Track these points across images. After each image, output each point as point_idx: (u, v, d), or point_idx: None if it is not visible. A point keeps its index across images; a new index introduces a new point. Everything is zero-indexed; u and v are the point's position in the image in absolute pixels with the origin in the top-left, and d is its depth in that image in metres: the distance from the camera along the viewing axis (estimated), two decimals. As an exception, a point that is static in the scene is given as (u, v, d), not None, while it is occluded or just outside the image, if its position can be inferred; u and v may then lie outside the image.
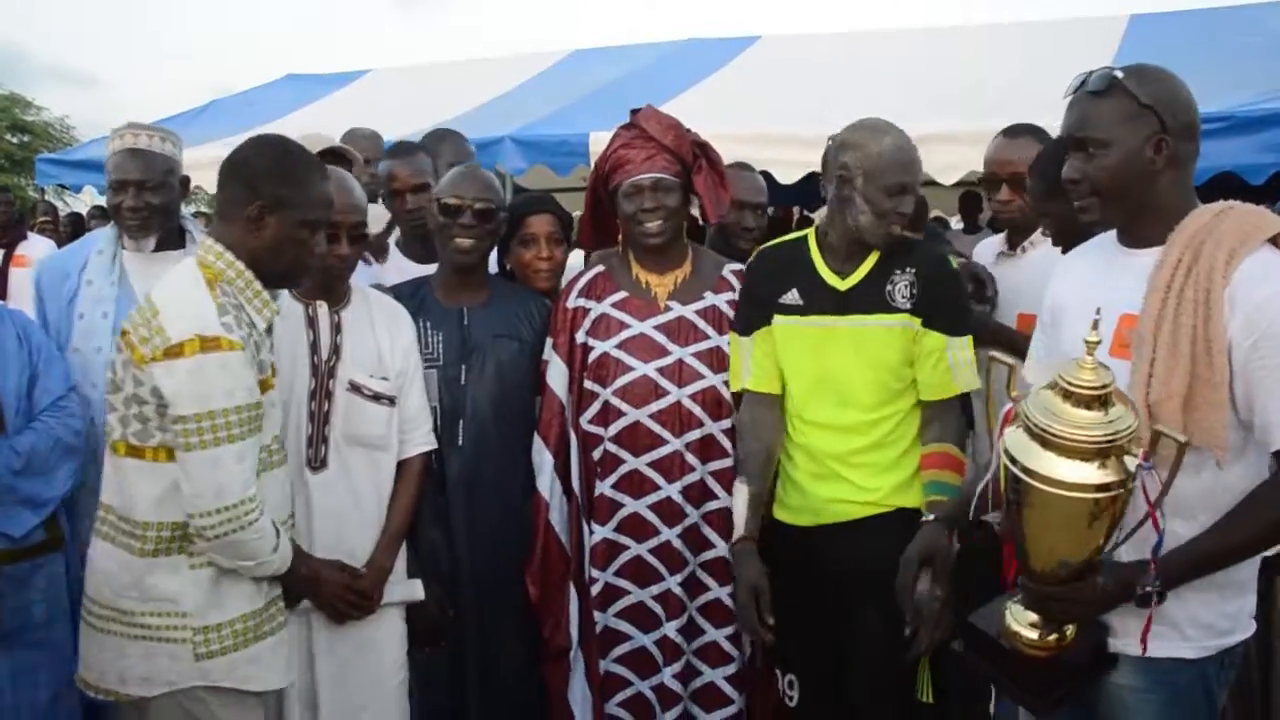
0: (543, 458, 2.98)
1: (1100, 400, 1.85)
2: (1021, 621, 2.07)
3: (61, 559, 2.93)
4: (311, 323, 2.72)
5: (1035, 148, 3.12)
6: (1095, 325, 1.87)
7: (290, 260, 2.39)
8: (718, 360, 2.92)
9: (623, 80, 7.45)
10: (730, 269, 3.01)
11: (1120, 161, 2.03)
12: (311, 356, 2.70)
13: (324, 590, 2.59)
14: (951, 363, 2.71)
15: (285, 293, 2.64)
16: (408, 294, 3.02)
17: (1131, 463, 1.85)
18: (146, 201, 3.12)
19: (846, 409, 2.74)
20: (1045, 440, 1.86)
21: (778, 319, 2.80)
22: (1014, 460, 1.90)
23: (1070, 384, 1.86)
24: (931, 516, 2.58)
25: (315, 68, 12.96)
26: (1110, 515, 1.86)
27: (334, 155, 3.37)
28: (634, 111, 3.00)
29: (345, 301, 2.78)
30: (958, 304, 2.79)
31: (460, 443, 2.94)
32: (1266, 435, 1.93)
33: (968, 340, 2.74)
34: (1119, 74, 2.04)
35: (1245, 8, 7.24)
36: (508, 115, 6.81)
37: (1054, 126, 4.34)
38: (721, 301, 2.96)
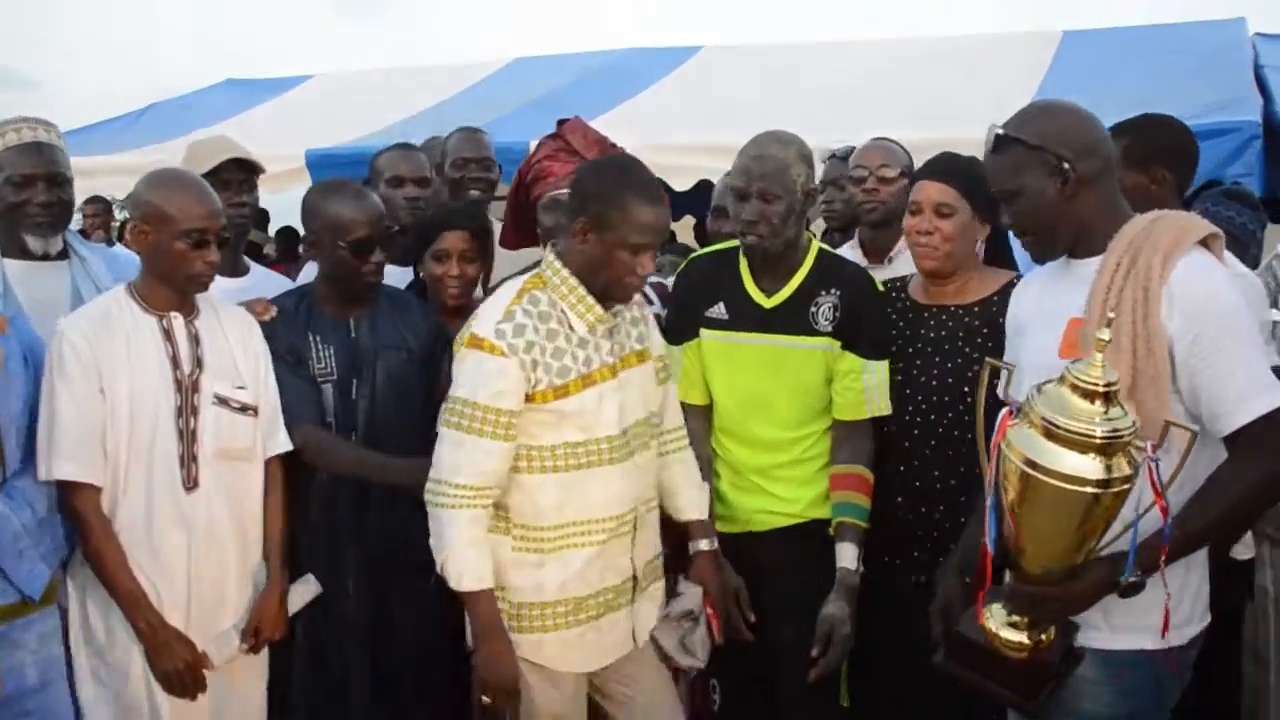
0: None
1: (1105, 397, 1.89)
2: (1005, 624, 2.10)
3: (55, 613, 2.61)
4: (168, 335, 2.63)
5: (900, 152, 3.56)
6: (1109, 324, 1.93)
7: (606, 279, 2.48)
8: None
9: (563, 89, 7.45)
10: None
11: (1032, 205, 2.17)
12: (173, 371, 2.61)
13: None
14: (865, 385, 2.75)
15: (135, 305, 2.62)
16: (291, 306, 2.93)
17: (1139, 455, 1.89)
18: (59, 197, 2.94)
19: (769, 425, 2.79)
20: (1051, 433, 1.89)
21: (704, 332, 2.83)
22: (1018, 455, 1.93)
23: (1079, 379, 1.89)
24: (851, 567, 2.68)
25: (257, 72, 12.80)
26: (1109, 511, 1.91)
27: (239, 164, 3.23)
28: (561, 122, 2.98)
29: (196, 312, 2.70)
30: (878, 328, 2.81)
31: None
32: (1215, 424, 2.02)
33: (884, 365, 2.78)
34: (1000, 130, 2.18)
35: (1173, 26, 7.43)
36: (449, 122, 6.76)
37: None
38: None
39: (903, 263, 3.21)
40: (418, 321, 3.03)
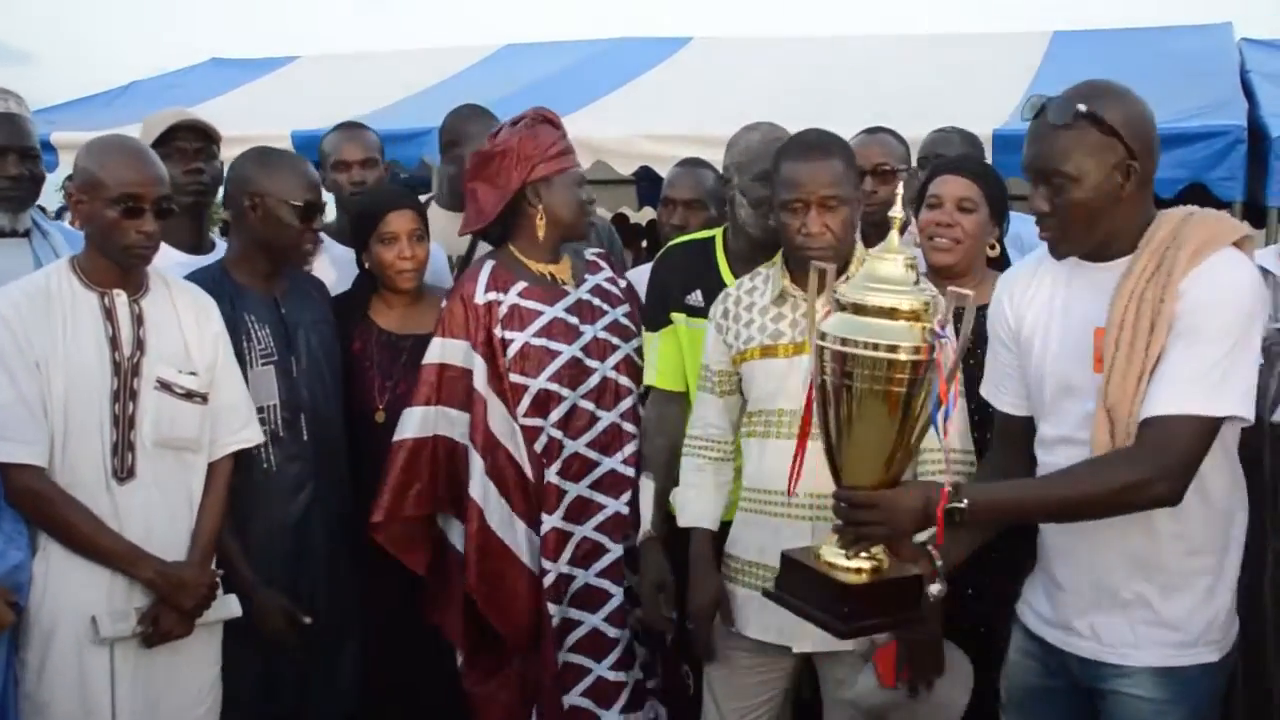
0: (473, 462, 2.89)
1: (909, 267, 1.95)
2: (832, 544, 2.03)
3: None
4: (109, 314, 2.46)
5: (896, 144, 3.40)
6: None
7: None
8: (619, 331, 2.98)
9: (553, 77, 7.42)
10: (591, 252, 3.10)
11: (1090, 194, 1.96)
12: (112, 353, 2.45)
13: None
14: None
15: (76, 280, 2.47)
16: (212, 284, 2.76)
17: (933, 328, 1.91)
18: (29, 171, 2.82)
19: None
20: (861, 308, 1.92)
21: (679, 318, 2.85)
22: (834, 339, 1.91)
23: (882, 254, 1.96)
24: None
25: (245, 51, 12.73)
26: (922, 391, 1.89)
27: (194, 131, 3.10)
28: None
29: (145, 289, 2.54)
30: None
31: (305, 438, 2.84)
32: (1147, 401, 1.90)
33: None
34: (1082, 106, 1.96)
35: (1161, 29, 7.47)
36: (437, 107, 6.71)
37: (979, 135, 4.43)
38: (601, 280, 3.03)
39: None
40: (324, 298, 3.05)
